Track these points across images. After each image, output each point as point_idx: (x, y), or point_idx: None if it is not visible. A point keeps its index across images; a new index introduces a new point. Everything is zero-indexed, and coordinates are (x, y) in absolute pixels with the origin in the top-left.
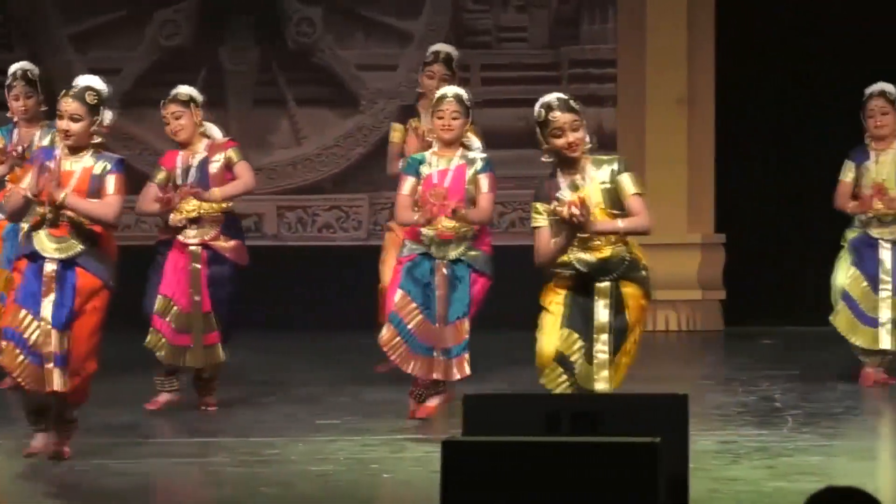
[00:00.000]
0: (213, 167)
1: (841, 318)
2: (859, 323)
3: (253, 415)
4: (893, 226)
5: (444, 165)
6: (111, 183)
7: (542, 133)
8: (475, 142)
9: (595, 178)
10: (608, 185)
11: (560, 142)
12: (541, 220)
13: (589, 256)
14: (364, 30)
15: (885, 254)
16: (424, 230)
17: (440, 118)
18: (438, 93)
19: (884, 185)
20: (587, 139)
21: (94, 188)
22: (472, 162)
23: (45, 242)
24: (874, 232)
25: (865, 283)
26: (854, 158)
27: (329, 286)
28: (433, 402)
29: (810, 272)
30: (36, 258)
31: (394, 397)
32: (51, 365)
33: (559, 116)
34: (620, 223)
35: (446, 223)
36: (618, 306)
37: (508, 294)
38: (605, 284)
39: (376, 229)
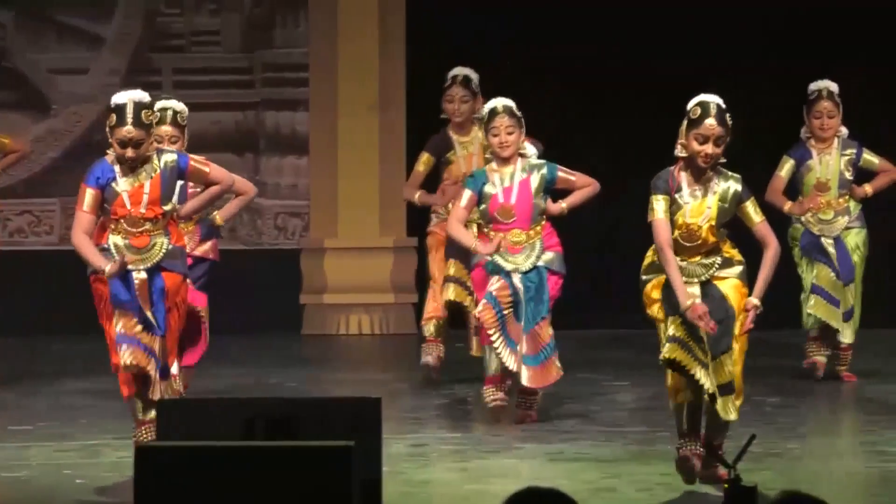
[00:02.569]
0: None
1: (818, 307)
2: (835, 308)
3: None
4: (834, 224)
5: (508, 182)
6: (200, 165)
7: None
8: (530, 149)
9: (717, 193)
10: (724, 205)
11: (702, 149)
12: (659, 212)
13: (680, 261)
14: (56, 33)
15: (829, 250)
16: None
17: (495, 135)
18: (487, 107)
19: (828, 184)
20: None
21: (167, 192)
22: (535, 168)
23: (127, 256)
24: (815, 229)
25: (832, 274)
26: (794, 155)
27: (21, 291)
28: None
29: None
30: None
31: (90, 403)
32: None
33: (712, 125)
34: (764, 272)
35: (513, 238)
36: (716, 297)
37: None
38: (695, 288)
39: (69, 233)
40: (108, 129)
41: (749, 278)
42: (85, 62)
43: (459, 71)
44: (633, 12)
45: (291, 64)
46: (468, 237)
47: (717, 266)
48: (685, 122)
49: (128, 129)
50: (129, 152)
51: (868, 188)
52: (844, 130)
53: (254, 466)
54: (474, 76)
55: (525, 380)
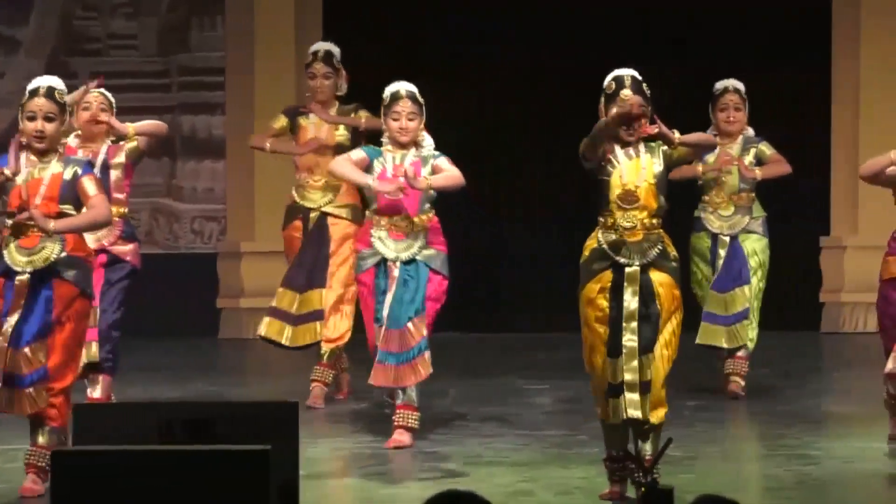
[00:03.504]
0: None
1: (701, 333)
2: (718, 326)
3: None
4: (735, 220)
5: (399, 161)
6: (90, 185)
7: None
8: (428, 139)
9: (648, 154)
10: (657, 160)
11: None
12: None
13: (619, 239)
14: None
15: (722, 250)
16: (375, 230)
17: (395, 120)
18: (389, 90)
19: (728, 179)
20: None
21: (67, 195)
22: (427, 160)
23: (14, 256)
24: (715, 226)
25: (707, 284)
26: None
27: None
28: None
29: None
30: (10, 275)
31: None
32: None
33: (628, 95)
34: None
35: (399, 221)
36: (649, 295)
37: None
38: (634, 270)
39: None
40: (19, 112)
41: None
42: (1, 66)
43: (321, 46)
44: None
45: (208, 68)
46: (362, 175)
47: (657, 252)
48: (602, 100)
49: (38, 102)
50: (39, 125)
51: (758, 171)
52: (750, 130)
53: (171, 470)
54: (336, 51)
55: (373, 377)
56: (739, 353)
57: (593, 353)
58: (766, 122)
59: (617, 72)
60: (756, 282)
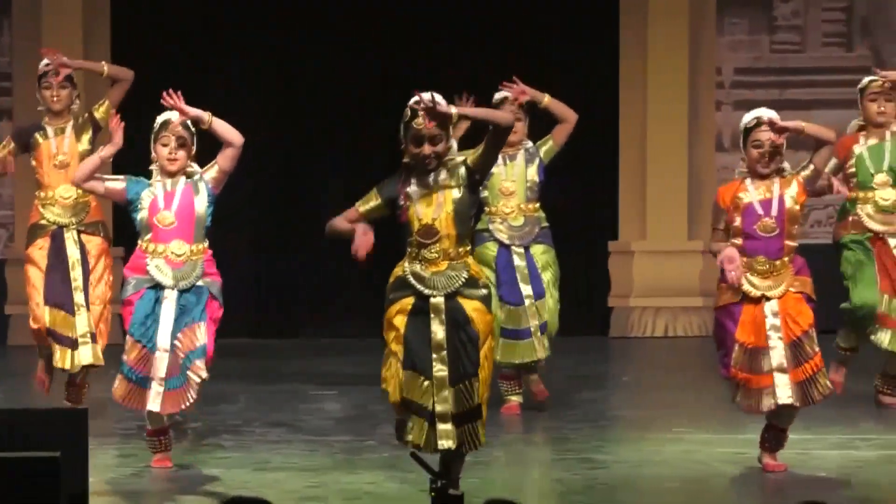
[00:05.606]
0: None
1: (503, 351)
2: (514, 341)
3: None
4: (525, 231)
5: (170, 188)
6: None
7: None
8: (195, 167)
9: (446, 181)
10: (458, 189)
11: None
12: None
13: (424, 271)
14: None
15: (520, 262)
16: (151, 259)
17: (164, 145)
18: (162, 117)
19: (513, 188)
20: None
21: None
22: (196, 185)
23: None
24: (505, 237)
25: (510, 307)
26: None
27: None
28: None
29: None
30: None
31: None
32: None
33: (420, 124)
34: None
35: (175, 249)
36: (463, 321)
37: None
38: (438, 301)
39: None
40: None
41: None
42: None
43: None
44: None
45: None
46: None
47: (463, 281)
48: (402, 127)
49: None
50: None
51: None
52: (529, 143)
53: None
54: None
55: (156, 405)
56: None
57: (388, 371)
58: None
59: (415, 97)
60: (550, 298)
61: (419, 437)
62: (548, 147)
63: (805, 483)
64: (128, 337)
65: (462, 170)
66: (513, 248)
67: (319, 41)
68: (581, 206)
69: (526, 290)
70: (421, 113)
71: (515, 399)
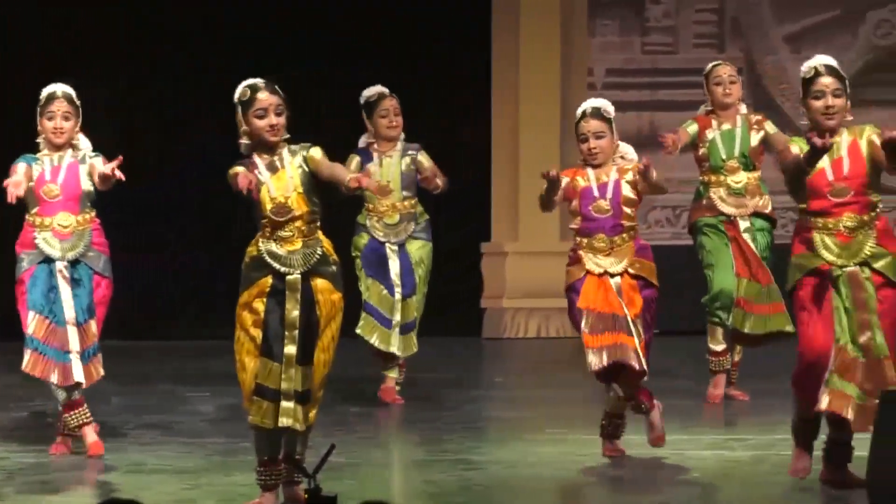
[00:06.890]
0: None
1: (366, 328)
2: (379, 325)
3: None
4: (400, 228)
5: (56, 163)
6: None
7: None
8: (84, 141)
9: (293, 162)
10: (304, 168)
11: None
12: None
13: (280, 249)
14: None
15: (393, 260)
16: (38, 232)
17: (50, 119)
18: (47, 90)
19: (389, 186)
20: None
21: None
22: (83, 160)
23: None
24: (381, 235)
25: (384, 289)
26: (357, 153)
27: None
28: None
29: None
30: None
31: None
32: None
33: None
34: None
35: (62, 221)
36: (308, 303)
37: None
38: (295, 278)
39: None
40: None
41: None
42: None
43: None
44: None
45: None
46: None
47: (317, 257)
48: (238, 109)
49: None
50: None
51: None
52: (403, 138)
53: None
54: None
55: (83, 376)
56: (401, 361)
57: (247, 355)
58: (422, 131)
59: (249, 80)
60: (420, 292)
61: (258, 415)
62: (422, 163)
63: (680, 484)
64: (30, 312)
65: (303, 154)
66: (387, 244)
67: None
68: (454, 208)
69: (397, 288)
70: (262, 85)
71: (392, 377)
